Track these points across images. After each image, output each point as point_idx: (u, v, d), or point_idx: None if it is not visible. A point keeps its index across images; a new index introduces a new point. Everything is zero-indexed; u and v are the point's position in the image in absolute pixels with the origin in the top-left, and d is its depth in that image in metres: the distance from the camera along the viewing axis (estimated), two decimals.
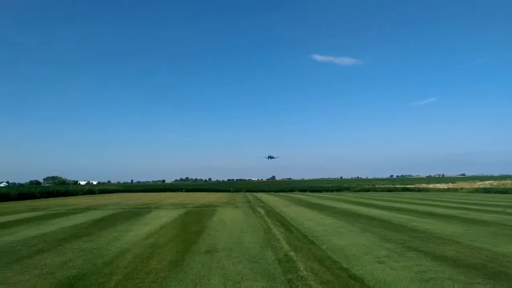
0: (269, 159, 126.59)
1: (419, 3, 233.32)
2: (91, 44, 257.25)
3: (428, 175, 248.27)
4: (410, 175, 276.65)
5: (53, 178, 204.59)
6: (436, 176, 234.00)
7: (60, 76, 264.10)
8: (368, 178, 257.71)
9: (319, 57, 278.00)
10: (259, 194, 52.79)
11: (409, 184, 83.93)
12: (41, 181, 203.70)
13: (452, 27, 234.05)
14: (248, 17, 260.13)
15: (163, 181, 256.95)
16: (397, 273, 6.78)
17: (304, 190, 67.45)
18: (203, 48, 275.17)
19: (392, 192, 60.07)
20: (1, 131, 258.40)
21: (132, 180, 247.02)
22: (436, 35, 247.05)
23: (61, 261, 7.90)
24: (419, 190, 66.96)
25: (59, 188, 54.90)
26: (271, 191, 66.96)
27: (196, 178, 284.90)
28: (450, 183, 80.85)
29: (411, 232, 11.94)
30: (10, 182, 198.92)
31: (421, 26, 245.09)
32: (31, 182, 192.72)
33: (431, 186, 74.59)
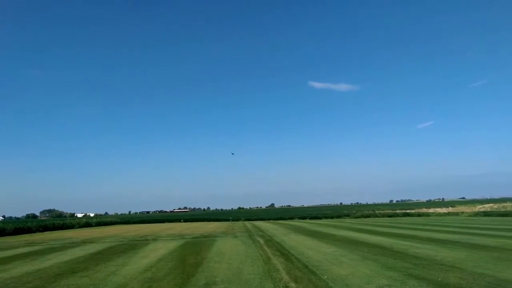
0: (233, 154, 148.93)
1: (416, 24, 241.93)
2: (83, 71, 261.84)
3: (428, 199, 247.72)
4: (410, 200, 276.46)
5: (50, 211, 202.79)
6: (436, 200, 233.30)
7: (53, 106, 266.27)
8: (368, 203, 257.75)
9: (316, 84, 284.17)
10: (258, 223, 52.09)
11: (410, 209, 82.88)
12: (38, 214, 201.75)
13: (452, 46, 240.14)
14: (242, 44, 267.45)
15: (161, 211, 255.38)
16: None
17: (304, 217, 66.46)
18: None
19: (393, 218, 59.33)
20: None
21: (130, 211, 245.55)
22: (435, 55, 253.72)
23: None
24: (419, 215, 66.06)
25: (55, 222, 53.91)
26: (270, 219, 66.07)
27: (194, 208, 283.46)
28: (450, 207, 79.91)
29: (413, 259, 11.76)
30: (6, 216, 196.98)
31: (416, 48, 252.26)
32: (28, 216, 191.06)
33: (431, 210, 73.62)
